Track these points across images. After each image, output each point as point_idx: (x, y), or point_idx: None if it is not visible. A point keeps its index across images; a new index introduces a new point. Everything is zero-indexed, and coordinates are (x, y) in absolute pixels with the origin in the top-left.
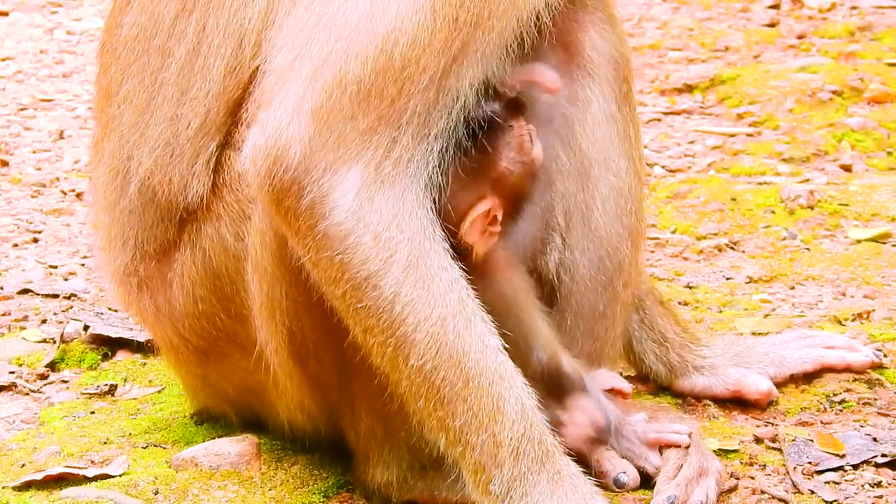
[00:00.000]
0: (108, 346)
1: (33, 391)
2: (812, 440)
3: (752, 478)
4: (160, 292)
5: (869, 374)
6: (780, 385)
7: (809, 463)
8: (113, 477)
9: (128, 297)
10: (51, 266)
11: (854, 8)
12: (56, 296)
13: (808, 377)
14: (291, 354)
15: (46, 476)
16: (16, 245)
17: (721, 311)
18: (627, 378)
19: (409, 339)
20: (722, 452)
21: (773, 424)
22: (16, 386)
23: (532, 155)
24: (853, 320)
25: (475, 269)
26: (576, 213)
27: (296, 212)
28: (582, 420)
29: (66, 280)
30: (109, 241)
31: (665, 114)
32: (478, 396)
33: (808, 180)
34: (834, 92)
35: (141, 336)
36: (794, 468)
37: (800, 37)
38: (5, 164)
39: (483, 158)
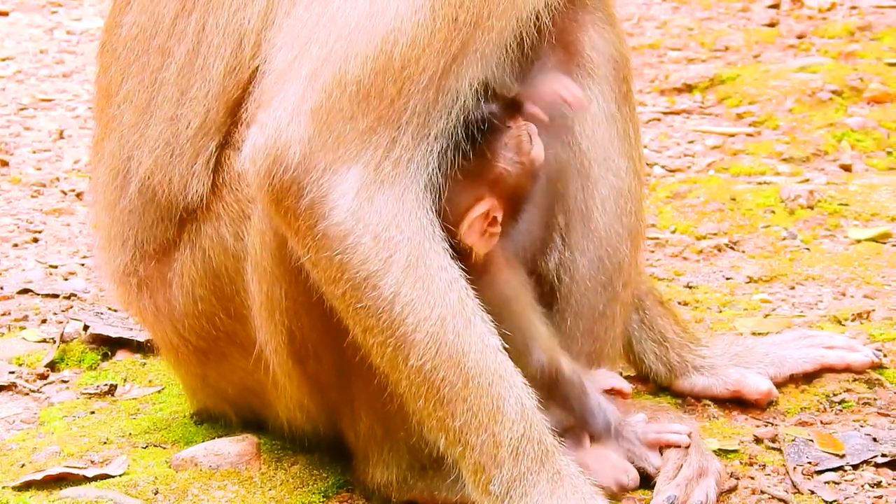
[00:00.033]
0: (108, 346)
1: (33, 391)
2: (812, 440)
3: (752, 478)
4: (160, 292)
5: (869, 374)
6: (779, 385)
7: (809, 463)
8: (113, 477)
9: (127, 297)
10: (51, 266)
11: (854, 8)
12: (56, 296)
13: (808, 377)
14: (291, 354)
15: (46, 476)
16: (16, 245)
17: (721, 311)
18: (627, 378)
19: (409, 339)
20: (722, 452)
21: (772, 424)
22: (16, 386)
23: (531, 155)
24: (853, 320)
25: (474, 269)
26: (576, 213)
27: (295, 212)
28: (606, 471)
29: (66, 280)
30: (109, 241)
31: (665, 113)
32: (477, 396)
33: (808, 180)
34: (834, 92)
35: (141, 336)
36: (794, 468)
37: (800, 37)
38: (5, 164)
39: (481, 159)
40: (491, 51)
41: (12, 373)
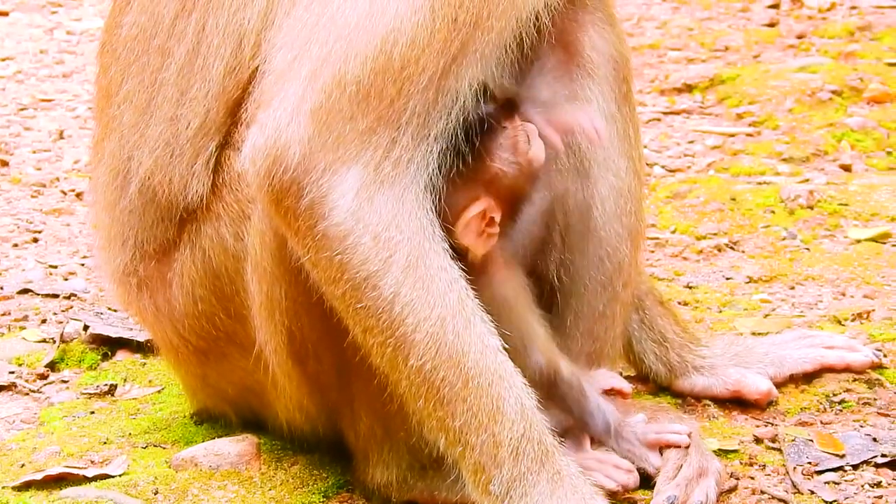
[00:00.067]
0: (108, 345)
1: (33, 391)
2: (812, 440)
3: (752, 478)
4: (160, 292)
5: (869, 374)
6: (779, 385)
7: (809, 463)
8: (113, 477)
9: (127, 297)
10: (51, 266)
11: (854, 8)
12: (56, 296)
13: (808, 377)
14: (291, 354)
15: (46, 476)
16: (16, 245)
17: (721, 311)
18: (627, 378)
19: (409, 339)
20: (722, 452)
21: (772, 424)
22: (16, 386)
23: (528, 156)
24: (853, 320)
25: (472, 269)
26: (575, 213)
27: (295, 212)
28: (605, 471)
29: (66, 280)
30: (109, 241)
31: (665, 113)
32: (477, 396)
33: (807, 180)
34: (834, 92)
35: (141, 336)
36: (794, 468)
37: (799, 37)
38: (5, 164)
39: (477, 160)
40: (491, 51)
41: (12, 373)
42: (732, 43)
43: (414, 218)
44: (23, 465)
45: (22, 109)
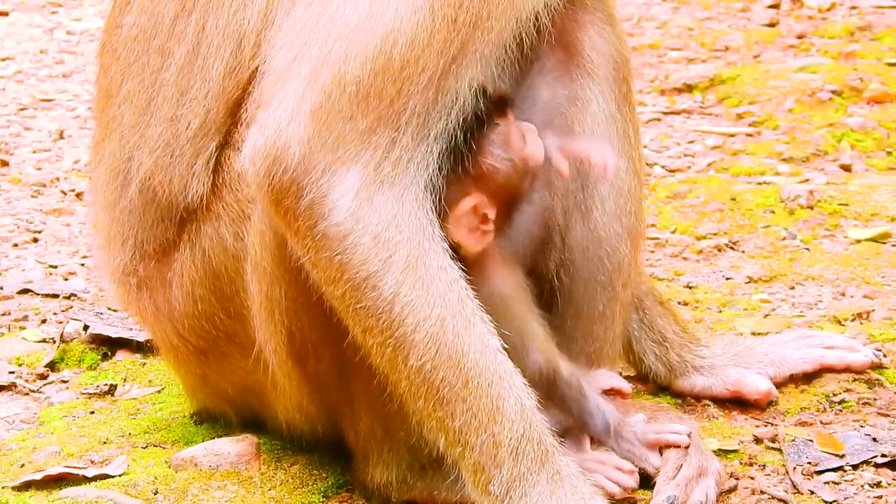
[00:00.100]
0: (108, 345)
1: (33, 391)
2: (812, 440)
3: (752, 478)
4: (159, 292)
5: (869, 374)
6: (779, 385)
7: (809, 463)
8: (112, 477)
9: (127, 297)
10: (51, 266)
11: (854, 8)
12: (56, 296)
13: (808, 377)
14: (291, 354)
15: (46, 476)
16: (16, 245)
17: (721, 311)
18: (627, 378)
19: (409, 339)
20: (721, 452)
21: (772, 424)
22: (15, 386)
23: (523, 153)
24: (853, 320)
25: (471, 267)
26: (575, 213)
27: (295, 212)
28: (605, 471)
29: (66, 280)
30: (109, 241)
31: (665, 113)
32: (477, 397)
33: (807, 180)
34: (834, 92)
35: (140, 336)
36: (794, 468)
37: (800, 37)
38: (5, 164)
39: (470, 156)
40: (490, 51)
41: (12, 373)
42: (732, 43)
43: (414, 218)
44: (23, 465)
45: (22, 109)
